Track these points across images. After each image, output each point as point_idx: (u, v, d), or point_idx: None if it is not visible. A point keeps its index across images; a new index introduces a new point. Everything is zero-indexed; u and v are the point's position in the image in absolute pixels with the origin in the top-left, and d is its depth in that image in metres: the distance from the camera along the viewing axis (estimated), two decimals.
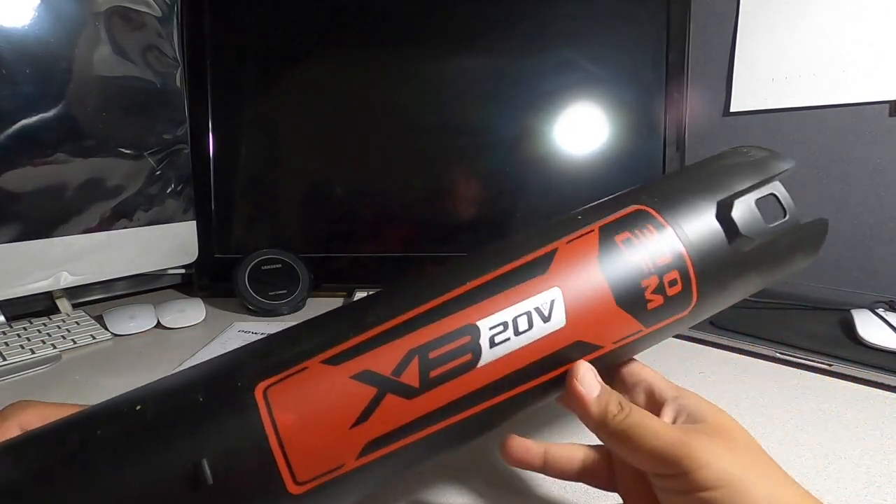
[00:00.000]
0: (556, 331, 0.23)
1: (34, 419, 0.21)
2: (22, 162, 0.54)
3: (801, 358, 0.48)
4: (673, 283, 0.25)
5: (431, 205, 0.75)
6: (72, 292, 0.66)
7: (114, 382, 0.47)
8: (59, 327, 0.57)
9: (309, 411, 0.20)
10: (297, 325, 0.23)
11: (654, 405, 0.24)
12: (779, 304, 0.61)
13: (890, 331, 0.49)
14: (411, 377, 0.21)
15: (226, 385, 0.20)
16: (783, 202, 0.28)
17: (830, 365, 0.46)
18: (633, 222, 0.25)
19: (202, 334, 0.60)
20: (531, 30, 0.72)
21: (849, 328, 0.52)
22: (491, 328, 0.22)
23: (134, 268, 0.66)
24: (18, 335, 0.54)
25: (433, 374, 0.21)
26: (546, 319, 0.23)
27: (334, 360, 0.21)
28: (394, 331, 0.22)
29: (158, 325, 0.62)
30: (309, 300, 0.71)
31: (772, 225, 0.27)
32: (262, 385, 0.20)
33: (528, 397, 0.23)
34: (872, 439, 0.36)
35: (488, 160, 0.74)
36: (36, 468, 0.18)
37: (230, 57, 0.74)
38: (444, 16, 0.73)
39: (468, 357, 0.22)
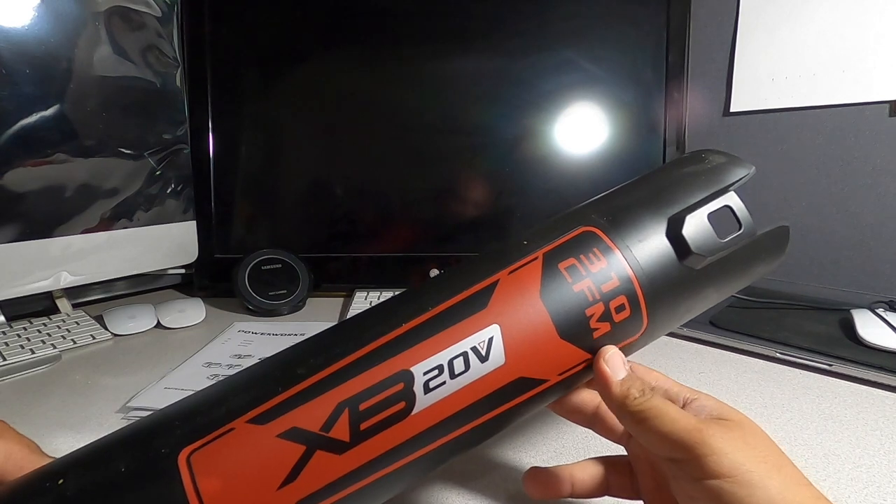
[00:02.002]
0: (496, 370, 0.22)
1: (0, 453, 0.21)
2: (22, 162, 0.54)
3: (801, 358, 0.48)
4: (620, 308, 0.24)
5: (431, 205, 0.75)
6: (72, 292, 0.66)
7: (114, 382, 0.47)
8: (59, 327, 0.57)
9: (234, 475, 0.19)
10: (230, 377, 0.22)
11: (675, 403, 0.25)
12: (779, 304, 0.61)
13: (890, 331, 0.49)
14: (341, 431, 0.20)
15: (148, 453, 0.19)
16: (738, 214, 0.27)
17: (830, 365, 0.46)
18: (578, 247, 0.25)
19: (202, 334, 0.60)
20: (531, 30, 0.72)
21: (849, 328, 0.52)
22: (425, 373, 0.21)
23: (134, 268, 0.66)
24: (18, 335, 0.54)
25: (364, 426, 0.20)
26: (484, 359, 0.22)
27: (261, 419, 0.20)
28: (323, 383, 0.21)
29: (158, 325, 0.62)
30: (309, 300, 0.71)
31: (725, 239, 0.26)
32: (185, 451, 0.19)
33: (470, 438, 0.23)
34: (872, 439, 0.36)
35: (488, 160, 0.74)
36: None
37: (230, 57, 0.74)
38: (444, 16, 0.73)
39: (401, 405, 0.21)
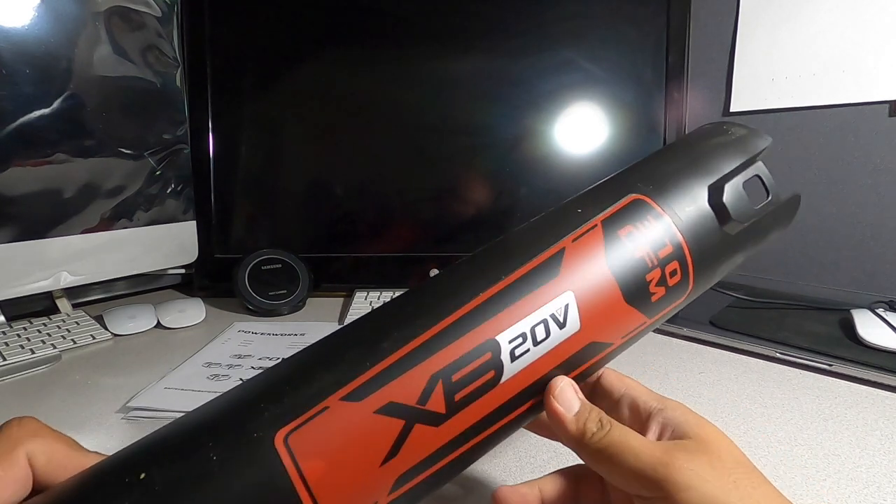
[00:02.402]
0: (572, 335, 0.22)
1: (41, 454, 0.19)
2: (22, 162, 0.54)
3: (801, 358, 0.48)
4: (673, 273, 0.25)
5: (431, 205, 0.75)
6: (72, 292, 0.66)
7: (114, 382, 0.47)
8: (59, 327, 0.57)
9: (336, 455, 0.18)
10: (304, 353, 0.22)
11: (639, 419, 0.24)
12: (779, 304, 0.61)
13: (890, 331, 0.49)
14: (437, 404, 0.20)
15: (239, 438, 0.18)
16: (766, 183, 0.29)
17: (830, 365, 0.46)
18: (632, 214, 0.25)
19: (202, 334, 0.60)
20: (531, 30, 0.72)
21: (849, 328, 0.52)
22: (510, 341, 0.21)
23: (134, 268, 0.66)
24: (18, 335, 0.54)
25: (458, 396, 0.20)
26: (562, 325, 0.22)
27: (355, 396, 0.19)
28: (413, 355, 0.20)
29: (158, 325, 0.62)
30: (309, 300, 0.71)
31: (757, 207, 0.28)
32: (281, 433, 0.18)
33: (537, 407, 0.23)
34: (872, 439, 0.36)
35: (488, 160, 0.74)
36: None
37: (230, 57, 0.74)
38: (444, 16, 0.73)
39: (491, 374, 0.21)
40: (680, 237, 0.25)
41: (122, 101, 0.62)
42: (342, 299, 0.73)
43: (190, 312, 0.64)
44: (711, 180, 0.27)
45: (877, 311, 0.53)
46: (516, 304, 0.22)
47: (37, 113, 0.54)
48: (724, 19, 0.75)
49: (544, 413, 0.25)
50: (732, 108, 0.76)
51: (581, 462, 0.26)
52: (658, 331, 0.57)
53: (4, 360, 0.50)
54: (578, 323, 0.23)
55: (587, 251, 0.24)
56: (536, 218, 0.27)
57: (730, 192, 0.26)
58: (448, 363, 0.20)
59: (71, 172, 0.58)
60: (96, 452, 0.20)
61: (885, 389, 0.43)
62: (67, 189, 0.58)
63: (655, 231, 0.25)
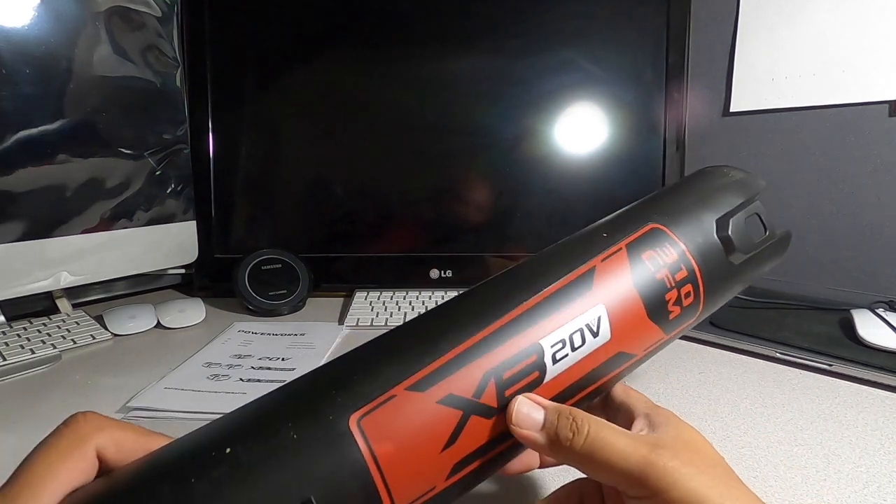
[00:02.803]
0: (604, 344, 0.25)
1: (109, 444, 0.19)
2: (22, 162, 0.54)
3: (801, 358, 0.48)
4: (688, 295, 0.28)
5: (431, 205, 0.75)
6: (72, 292, 0.66)
7: (114, 382, 0.47)
8: (59, 327, 0.57)
9: (404, 439, 0.20)
10: (365, 348, 0.24)
11: (628, 420, 0.25)
12: (779, 304, 0.61)
13: (890, 331, 0.49)
14: (490, 398, 0.22)
15: (317, 419, 0.20)
16: (764, 221, 0.32)
17: (830, 365, 0.46)
18: (652, 241, 0.28)
19: (202, 334, 0.60)
20: (531, 30, 0.72)
21: (849, 328, 0.52)
22: (552, 346, 0.24)
23: (134, 268, 0.66)
24: (18, 335, 0.54)
25: (508, 392, 0.22)
26: (595, 334, 0.25)
27: (419, 387, 0.21)
28: (468, 353, 0.22)
29: (158, 325, 0.62)
30: (309, 300, 0.71)
31: (757, 241, 0.31)
32: (354, 416, 0.20)
33: (580, 406, 0.25)
34: (872, 439, 0.36)
35: (488, 160, 0.74)
36: None
37: (230, 57, 0.74)
38: (444, 16, 0.73)
39: (536, 375, 0.23)
40: (693, 263, 0.28)
41: (122, 101, 0.62)
42: (342, 299, 0.73)
43: (190, 312, 0.64)
44: (718, 215, 0.30)
45: (877, 311, 0.53)
46: (557, 313, 0.24)
47: (37, 113, 0.54)
48: (724, 19, 0.75)
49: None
50: (732, 108, 0.76)
51: (580, 477, 0.27)
52: None
53: (4, 360, 0.50)
54: (609, 333, 0.25)
55: (615, 270, 0.27)
56: (565, 239, 0.29)
57: (734, 226, 0.30)
58: (499, 362, 0.23)
59: (71, 172, 0.58)
60: (162, 434, 0.20)
61: (885, 389, 0.43)
62: (67, 189, 0.58)
63: (672, 256, 0.28)
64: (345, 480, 0.19)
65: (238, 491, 0.18)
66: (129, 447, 0.19)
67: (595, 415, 0.23)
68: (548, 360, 0.23)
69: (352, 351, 0.23)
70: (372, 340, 0.24)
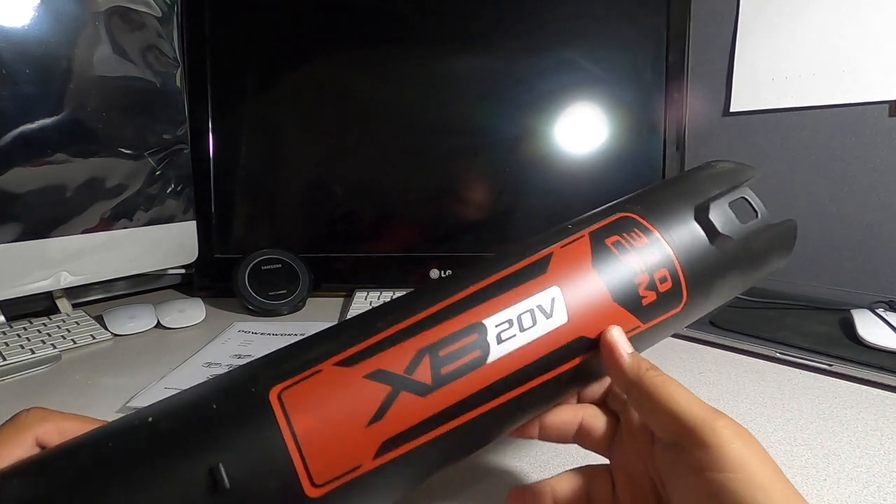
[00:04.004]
0: (559, 327, 0.24)
1: (52, 433, 0.20)
2: (22, 162, 0.54)
3: (801, 358, 0.48)
4: (663, 279, 0.26)
5: (431, 205, 0.75)
6: (72, 292, 0.66)
7: (114, 382, 0.47)
8: (59, 327, 0.57)
9: (324, 412, 0.20)
10: (306, 337, 0.24)
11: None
12: (779, 304, 0.61)
13: (890, 331, 0.49)
14: (424, 375, 0.21)
15: (239, 392, 0.20)
16: (754, 204, 0.30)
17: (830, 365, 0.46)
18: (620, 227, 0.27)
19: (202, 334, 0.60)
20: (531, 30, 0.72)
21: (849, 328, 0.52)
22: (497, 325, 0.23)
23: (134, 268, 0.66)
24: (18, 335, 0.54)
25: (444, 370, 0.22)
26: (549, 316, 0.24)
27: (347, 362, 0.21)
28: (404, 332, 0.22)
29: (158, 325, 0.62)
30: (309, 300, 0.71)
31: (746, 224, 0.29)
32: (276, 389, 0.20)
33: (538, 395, 0.24)
34: (872, 439, 0.36)
35: (488, 160, 0.74)
36: (44, 490, 0.18)
37: (230, 57, 0.74)
38: (444, 16, 0.73)
39: (477, 353, 0.22)
40: (668, 248, 0.27)
41: (122, 101, 0.62)
42: (342, 299, 0.73)
43: (190, 312, 0.64)
44: (698, 202, 0.29)
45: (877, 311, 0.53)
46: (505, 294, 0.24)
47: (37, 113, 0.54)
48: (724, 19, 0.75)
49: (538, 439, 0.26)
50: (732, 108, 0.76)
51: (590, 463, 0.27)
52: None
53: (4, 360, 0.50)
54: (566, 316, 0.24)
55: (574, 255, 0.26)
56: (532, 237, 0.28)
57: (715, 209, 0.28)
58: (436, 340, 0.22)
59: (71, 172, 0.58)
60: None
61: (885, 389, 0.43)
62: (67, 189, 0.58)
63: (642, 241, 0.27)
64: (259, 450, 0.19)
65: (150, 455, 0.18)
66: (75, 433, 0.20)
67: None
68: (491, 340, 0.22)
69: (301, 338, 0.24)
70: (325, 328, 0.24)
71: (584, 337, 0.24)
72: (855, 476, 0.32)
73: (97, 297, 0.73)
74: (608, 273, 0.25)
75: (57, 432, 0.20)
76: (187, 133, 0.70)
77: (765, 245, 0.30)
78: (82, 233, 0.59)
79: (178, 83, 0.69)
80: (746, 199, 0.30)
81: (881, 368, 0.44)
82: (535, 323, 0.23)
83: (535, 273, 0.24)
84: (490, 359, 0.22)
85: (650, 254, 0.26)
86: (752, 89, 0.74)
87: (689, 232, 0.28)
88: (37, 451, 0.20)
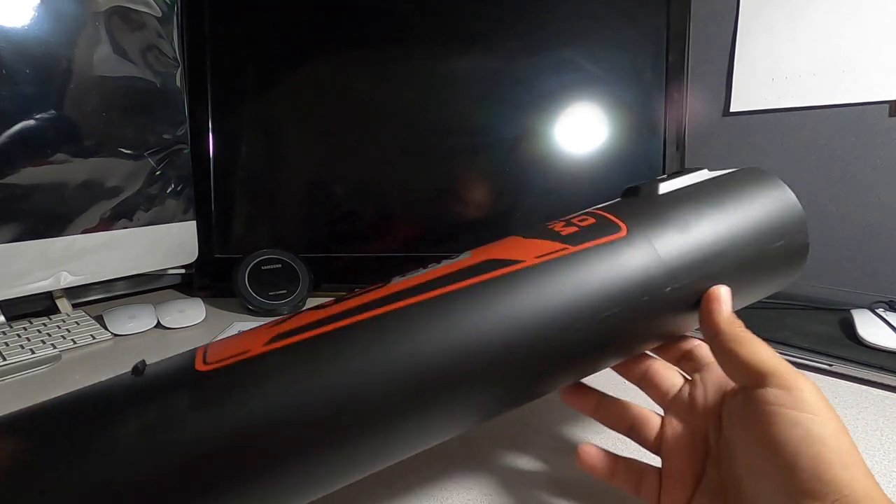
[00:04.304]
0: (463, 258, 0.27)
1: None
2: (22, 162, 0.53)
3: (801, 358, 0.48)
4: (583, 219, 0.28)
5: (432, 205, 0.75)
6: (72, 292, 0.66)
7: None
8: (59, 327, 0.57)
9: (233, 338, 0.25)
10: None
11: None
12: (779, 304, 0.61)
13: (890, 331, 0.49)
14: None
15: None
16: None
17: (830, 365, 0.46)
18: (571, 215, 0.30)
19: (202, 334, 0.60)
20: (531, 30, 0.72)
21: (849, 328, 0.52)
22: (404, 273, 0.28)
23: (134, 268, 0.66)
24: (18, 335, 0.54)
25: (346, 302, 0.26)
26: (453, 259, 0.27)
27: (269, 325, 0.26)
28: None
29: (158, 325, 0.62)
30: (309, 300, 0.71)
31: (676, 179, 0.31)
32: (200, 351, 0.25)
33: (436, 303, 0.25)
34: (872, 439, 0.36)
35: (488, 160, 0.74)
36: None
37: (230, 57, 0.74)
38: (444, 16, 0.73)
39: (380, 284, 0.27)
40: (592, 209, 0.30)
41: (122, 101, 0.62)
42: None
43: (190, 312, 0.64)
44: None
45: (877, 311, 0.53)
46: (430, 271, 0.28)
47: (37, 113, 0.54)
48: (724, 19, 0.75)
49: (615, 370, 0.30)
50: (732, 108, 0.76)
51: (642, 460, 0.28)
52: None
53: (4, 360, 0.50)
54: (471, 254, 0.27)
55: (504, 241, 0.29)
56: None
57: (644, 185, 0.31)
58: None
59: (71, 172, 0.58)
60: None
61: (885, 389, 0.43)
62: (67, 189, 0.58)
63: (580, 217, 0.29)
64: (175, 359, 0.25)
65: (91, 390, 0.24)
66: None
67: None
68: (395, 278, 0.27)
69: None
70: None
71: (493, 259, 0.26)
72: None
73: (97, 297, 0.73)
74: (526, 230, 0.28)
75: None
76: (187, 133, 0.70)
77: (714, 192, 0.30)
78: (82, 233, 0.59)
79: (178, 83, 0.69)
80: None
81: (881, 368, 0.44)
82: (440, 263, 0.27)
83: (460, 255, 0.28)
84: (392, 282, 0.27)
85: (575, 215, 0.29)
86: (752, 89, 0.74)
87: (621, 197, 0.31)
88: None
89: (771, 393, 0.21)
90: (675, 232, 0.27)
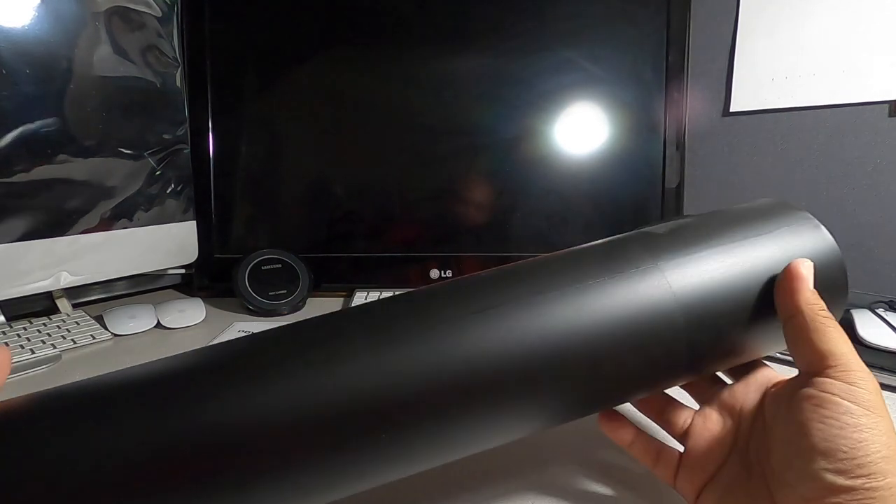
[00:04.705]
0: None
1: None
2: (22, 162, 0.53)
3: None
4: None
5: (431, 205, 0.75)
6: (72, 292, 0.66)
7: None
8: (59, 327, 0.57)
9: None
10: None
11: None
12: None
13: (890, 331, 0.49)
14: None
15: None
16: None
17: None
18: None
19: (202, 334, 0.60)
20: (531, 30, 0.72)
21: (849, 328, 0.51)
22: None
23: (134, 268, 0.66)
24: (18, 335, 0.54)
25: None
26: None
27: None
28: None
29: (158, 325, 0.62)
30: (309, 300, 0.71)
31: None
32: None
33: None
34: None
35: (488, 160, 0.74)
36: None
37: (230, 57, 0.74)
38: (444, 16, 0.73)
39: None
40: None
41: (122, 101, 0.62)
42: (342, 299, 0.73)
43: (190, 312, 0.64)
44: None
45: (877, 311, 0.53)
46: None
47: (36, 113, 0.54)
48: (724, 19, 0.75)
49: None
50: (732, 108, 0.76)
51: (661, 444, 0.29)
52: None
53: None
54: None
55: None
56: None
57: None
58: None
59: (71, 172, 0.58)
60: None
61: (886, 389, 0.43)
62: (67, 189, 0.58)
63: None
64: None
65: None
66: None
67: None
68: None
69: None
70: None
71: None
72: None
73: (97, 297, 0.73)
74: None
75: None
76: (187, 133, 0.70)
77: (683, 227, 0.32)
78: (82, 233, 0.59)
79: (178, 83, 0.69)
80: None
81: (881, 368, 0.44)
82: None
83: None
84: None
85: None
86: (752, 89, 0.74)
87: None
88: None
89: (832, 384, 0.22)
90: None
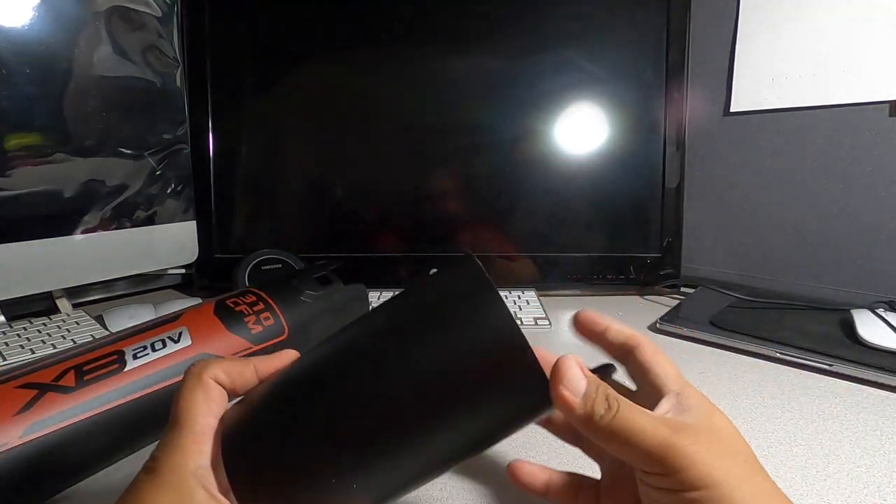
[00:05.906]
0: (186, 347, 0.35)
1: (220, 373, 0.23)
2: (22, 162, 0.53)
3: (801, 358, 0.48)
4: (267, 318, 0.41)
5: (431, 205, 0.75)
6: (72, 292, 0.66)
7: None
8: (59, 327, 0.57)
9: None
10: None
11: (656, 396, 0.24)
12: (779, 304, 0.61)
13: (890, 331, 0.49)
14: (68, 381, 0.31)
15: None
16: (332, 278, 0.50)
17: (830, 365, 0.46)
18: (238, 295, 0.42)
19: None
20: (531, 30, 0.72)
21: (849, 328, 0.52)
22: (134, 349, 0.34)
23: (134, 268, 0.66)
24: (18, 335, 0.54)
25: (87, 377, 0.31)
26: (176, 342, 0.35)
27: (3, 381, 0.30)
28: (55, 360, 0.32)
29: None
30: None
31: (327, 288, 0.48)
32: None
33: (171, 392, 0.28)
34: (872, 439, 0.36)
35: (488, 160, 0.74)
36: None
37: (230, 57, 0.74)
38: (444, 16, 0.73)
39: (116, 365, 0.32)
40: (271, 300, 0.42)
41: (122, 101, 0.62)
42: None
43: None
44: (294, 277, 0.47)
45: (877, 311, 0.53)
46: (143, 334, 0.35)
47: (37, 113, 0.54)
48: (724, 19, 0.75)
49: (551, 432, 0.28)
50: (732, 108, 0.76)
51: (584, 474, 0.28)
52: (658, 331, 0.57)
53: (4, 360, 0.50)
54: (190, 340, 0.36)
55: (201, 309, 0.40)
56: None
57: (303, 279, 0.47)
58: (81, 361, 0.32)
59: (71, 172, 0.58)
60: (249, 359, 0.25)
61: (885, 389, 0.44)
62: (67, 189, 0.58)
63: (252, 299, 0.42)
64: None
65: None
66: (234, 371, 0.24)
67: (626, 381, 0.25)
68: (129, 357, 0.33)
69: None
70: None
71: (205, 353, 0.36)
72: (855, 476, 0.32)
73: (97, 297, 0.73)
74: (225, 316, 0.39)
75: (223, 372, 0.23)
76: (187, 133, 0.70)
77: (342, 298, 0.49)
78: (82, 233, 0.59)
79: (178, 83, 0.69)
80: (327, 274, 0.50)
81: (881, 368, 0.44)
82: (165, 346, 0.35)
83: (168, 321, 0.37)
84: (127, 367, 0.32)
85: (257, 305, 0.41)
86: (752, 89, 0.74)
87: (288, 293, 0.44)
88: (221, 389, 0.23)
89: (660, 481, 0.21)
90: (320, 331, 0.46)
